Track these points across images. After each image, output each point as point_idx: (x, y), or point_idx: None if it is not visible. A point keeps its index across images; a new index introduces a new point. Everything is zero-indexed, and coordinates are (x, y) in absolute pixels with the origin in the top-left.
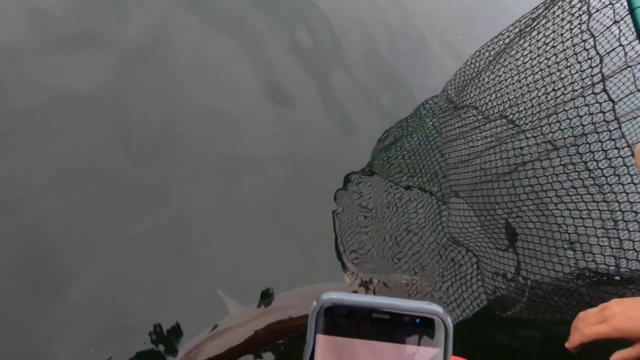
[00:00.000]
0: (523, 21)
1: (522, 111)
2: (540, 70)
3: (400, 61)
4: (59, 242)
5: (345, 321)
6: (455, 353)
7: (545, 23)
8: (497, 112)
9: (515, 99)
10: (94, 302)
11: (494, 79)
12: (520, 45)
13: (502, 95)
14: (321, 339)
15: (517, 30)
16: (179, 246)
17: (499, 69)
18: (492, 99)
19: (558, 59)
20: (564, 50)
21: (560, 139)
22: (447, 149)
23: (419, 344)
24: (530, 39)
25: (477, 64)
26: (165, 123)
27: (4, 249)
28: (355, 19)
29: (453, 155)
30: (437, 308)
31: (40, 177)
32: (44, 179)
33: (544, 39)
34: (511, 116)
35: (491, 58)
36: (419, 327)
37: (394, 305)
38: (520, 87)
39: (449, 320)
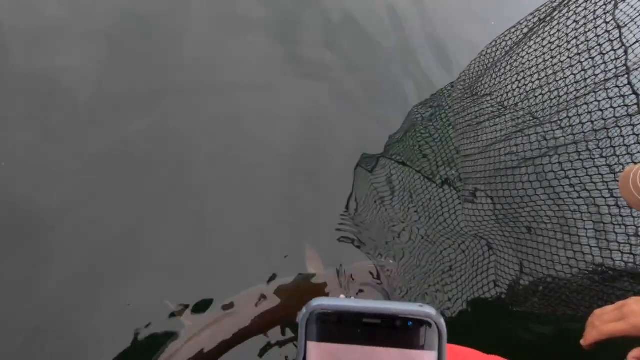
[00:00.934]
0: (543, 10)
1: (539, 102)
2: (561, 61)
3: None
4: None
5: (335, 327)
6: (463, 344)
7: (567, 12)
8: (513, 103)
9: (532, 90)
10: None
11: (510, 69)
12: (540, 35)
13: (519, 87)
14: (312, 346)
15: (536, 19)
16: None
17: (515, 59)
18: (508, 89)
19: (580, 50)
20: (587, 41)
21: (579, 132)
22: (460, 138)
23: (412, 348)
24: (550, 28)
25: (494, 54)
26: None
27: None
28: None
29: (467, 144)
30: (430, 310)
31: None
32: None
33: (565, 28)
34: (528, 107)
35: (508, 48)
36: (411, 330)
37: (384, 308)
38: (539, 78)
39: (442, 322)
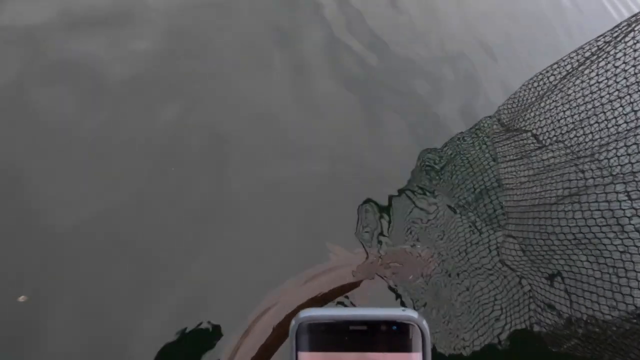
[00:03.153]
0: (587, 48)
1: (579, 136)
2: (601, 97)
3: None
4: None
5: (325, 336)
6: None
7: (614, 51)
8: (552, 137)
9: (573, 125)
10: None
11: (550, 104)
12: (585, 73)
13: (559, 120)
14: (303, 356)
15: (580, 57)
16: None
17: (556, 94)
18: (547, 123)
19: (629, 87)
20: (638, 82)
21: (618, 172)
22: (500, 172)
23: (398, 351)
24: (597, 67)
25: (536, 90)
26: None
27: None
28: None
29: (506, 177)
30: (412, 313)
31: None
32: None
33: (613, 68)
34: (567, 142)
35: (549, 84)
36: (396, 334)
37: (369, 315)
38: (579, 113)
39: (424, 324)
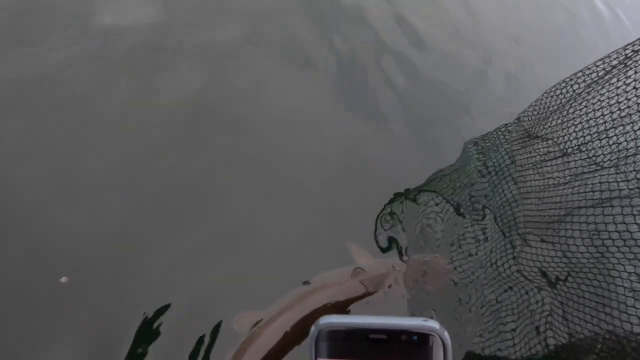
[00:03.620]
0: (614, 57)
1: (603, 147)
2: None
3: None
4: None
5: (344, 344)
6: None
7: None
8: (574, 147)
9: (597, 134)
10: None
11: (573, 112)
12: (612, 82)
13: (582, 129)
14: None
15: (607, 66)
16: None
17: (579, 103)
18: (569, 132)
19: None
20: None
21: None
22: (519, 179)
23: None
24: (625, 77)
25: (558, 97)
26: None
27: None
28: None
29: (525, 185)
30: (434, 324)
31: None
32: None
33: None
34: (589, 152)
35: (572, 92)
36: (417, 345)
37: (389, 324)
38: (604, 123)
39: (446, 336)
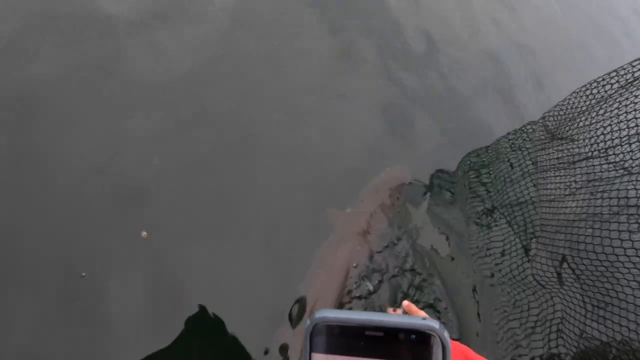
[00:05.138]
0: None
1: (632, 151)
2: None
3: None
4: None
5: (339, 339)
6: None
7: None
8: (601, 150)
9: (627, 138)
10: None
11: (603, 114)
12: None
13: (610, 132)
14: (317, 358)
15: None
16: None
17: (610, 104)
18: (597, 134)
19: None
20: None
21: None
22: (540, 180)
23: None
24: None
25: (588, 98)
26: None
27: None
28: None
29: (546, 187)
30: (433, 323)
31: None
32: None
33: None
34: (617, 156)
35: (603, 93)
36: (415, 344)
37: (386, 321)
38: (636, 126)
39: (445, 336)
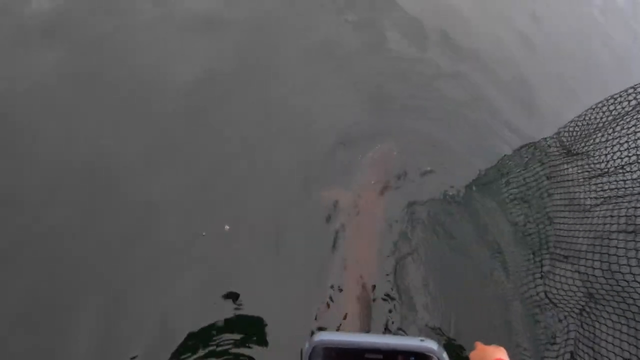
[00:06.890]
0: None
1: None
2: None
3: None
4: None
5: None
6: None
7: None
8: (618, 166)
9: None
10: None
11: (620, 131)
12: None
13: (627, 149)
14: None
15: None
16: None
17: (628, 121)
18: (614, 150)
19: None
20: None
21: None
22: (555, 195)
23: None
24: None
25: (604, 114)
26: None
27: None
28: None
29: (560, 202)
30: (432, 345)
31: None
32: None
33: None
34: (633, 173)
35: (620, 109)
36: None
37: (385, 344)
38: None
39: (444, 357)
